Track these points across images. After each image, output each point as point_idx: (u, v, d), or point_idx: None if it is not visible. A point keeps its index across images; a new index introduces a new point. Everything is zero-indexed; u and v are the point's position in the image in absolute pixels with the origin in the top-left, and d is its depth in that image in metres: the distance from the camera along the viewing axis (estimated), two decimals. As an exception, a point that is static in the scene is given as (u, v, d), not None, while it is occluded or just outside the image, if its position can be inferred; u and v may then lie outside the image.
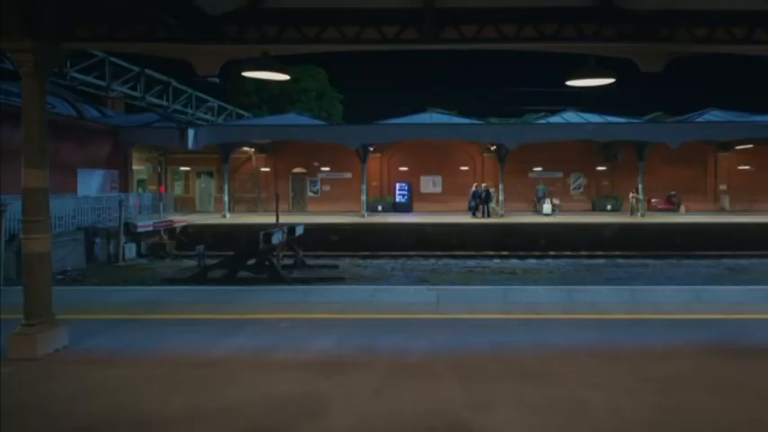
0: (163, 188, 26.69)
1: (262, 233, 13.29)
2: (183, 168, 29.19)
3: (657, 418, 4.33)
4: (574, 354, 5.86)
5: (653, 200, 27.37)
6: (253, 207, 28.78)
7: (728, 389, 4.91)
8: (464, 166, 28.74)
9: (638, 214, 24.41)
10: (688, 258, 18.65)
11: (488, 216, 23.64)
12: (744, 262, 17.96)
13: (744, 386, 4.98)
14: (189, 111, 31.16)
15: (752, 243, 20.10)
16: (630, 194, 25.47)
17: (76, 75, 21.03)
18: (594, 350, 5.99)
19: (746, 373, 5.30)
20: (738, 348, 6.04)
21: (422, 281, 14.76)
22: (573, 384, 5.01)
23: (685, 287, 9.96)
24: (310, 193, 28.97)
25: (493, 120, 36.65)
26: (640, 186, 24.74)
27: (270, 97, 42.66)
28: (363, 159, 24.25)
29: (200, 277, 13.77)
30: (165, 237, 20.71)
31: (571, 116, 26.73)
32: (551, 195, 27.07)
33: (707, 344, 6.17)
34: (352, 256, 19.16)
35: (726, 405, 4.57)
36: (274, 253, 14.01)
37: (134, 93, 25.45)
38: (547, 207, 25.44)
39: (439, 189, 28.83)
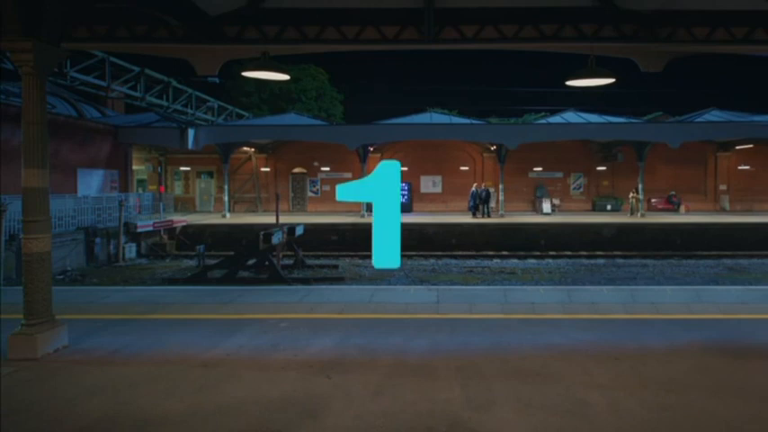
0: (163, 188, 26.72)
1: (262, 233, 13.28)
2: (183, 168, 29.21)
3: (657, 418, 4.34)
4: (574, 354, 5.87)
5: (653, 200, 27.40)
6: (253, 207, 28.80)
7: (728, 389, 4.91)
8: (464, 166, 28.75)
9: (638, 214, 24.41)
10: (688, 258, 18.64)
11: (488, 216, 23.65)
12: (744, 262, 17.96)
13: (744, 386, 4.99)
14: (189, 111, 31.16)
15: (752, 243, 20.14)
16: (630, 194, 25.47)
17: (76, 75, 21.02)
18: (594, 350, 5.99)
19: (746, 373, 5.30)
20: (738, 348, 6.05)
21: (422, 281, 14.76)
22: (573, 384, 5.02)
23: (685, 287, 9.95)
24: (310, 193, 28.97)
25: (493, 120, 36.67)
26: (640, 186, 24.74)
27: (270, 97, 42.67)
28: (363, 159, 24.25)
29: (200, 277, 13.76)
30: (165, 237, 20.72)
31: (571, 116, 26.71)
32: (551, 195, 27.08)
33: (707, 344, 6.18)
34: (352, 256, 19.15)
35: (726, 405, 4.57)
36: (274, 253, 14.01)
37: (134, 93, 25.46)
38: (547, 207, 25.45)
39: (439, 189, 28.84)
